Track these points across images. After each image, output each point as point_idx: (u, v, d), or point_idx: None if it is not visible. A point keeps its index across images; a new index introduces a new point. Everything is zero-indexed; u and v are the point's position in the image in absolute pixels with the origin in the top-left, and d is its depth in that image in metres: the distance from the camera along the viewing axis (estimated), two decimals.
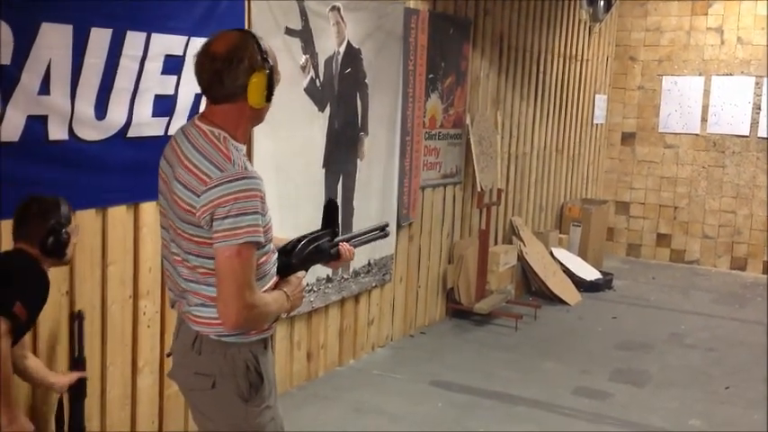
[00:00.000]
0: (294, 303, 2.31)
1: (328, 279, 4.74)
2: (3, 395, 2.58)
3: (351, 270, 4.95)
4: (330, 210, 2.51)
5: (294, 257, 2.34)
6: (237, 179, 2.07)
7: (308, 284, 4.41)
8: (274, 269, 2.29)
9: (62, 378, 3.05)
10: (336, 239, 2.47)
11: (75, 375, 3.09)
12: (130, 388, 3.58)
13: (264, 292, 2.21)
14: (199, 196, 2.07)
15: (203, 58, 2.15)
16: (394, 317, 5.64)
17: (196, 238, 2.13)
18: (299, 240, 2.38)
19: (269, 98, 2.19)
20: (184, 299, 2.23)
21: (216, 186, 2.06)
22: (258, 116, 2.27)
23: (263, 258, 2.21)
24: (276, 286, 2.28)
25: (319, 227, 2.47)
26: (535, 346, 5.78)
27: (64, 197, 2.85)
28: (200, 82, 2.19)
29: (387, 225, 2.73)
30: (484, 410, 4.51)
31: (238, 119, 2.19)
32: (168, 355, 2.36)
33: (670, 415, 4.58)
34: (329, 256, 2.46)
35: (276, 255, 2.31)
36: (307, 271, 2.41)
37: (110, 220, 3.37)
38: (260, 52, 2.15)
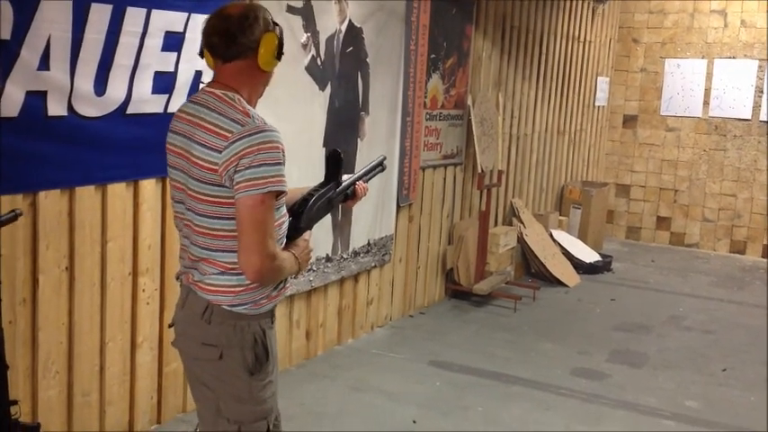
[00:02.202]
0: (302, 266, 2.33)
1: (328, 258, 4.75)
2: None
3: (350, 250, 4.96)
4: (333, 160, 2.49)
5: (303, 221, 2.35)
6: (258, 132, 2.11)
7: None
8: (285, 234, 2.31)
9: None
10: (341, 188, 2.49)
11: None
12: (129, 364, 3.59)
13: None
14: (221, 152, 2.10)
15: (215, 19, 2.22)
16: (393, 297, 5.66)
17: (216, 199, 2.15)
18: (305, 200, 2.38)
19: (278, 56, 2.25)
20: (196, 269, 2.25)
21: (238, 140, 2.09)
22: (264, 82, 2.32)
23: (278, 222, 2.22)
24: (284, 249, 2.29)
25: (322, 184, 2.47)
26: (534, 327, 5.80)
27: None
28: (211, 41, 2.22)
29: (384, 158, 2.76)
30: (482, 390, 4.54)
31: (248, 80, 2.24)
32: (170, 326, 2.37)
33: (667, 396, 4.60)
34: (345, 198, 2.53)
35: (288, 220, 2.32)
36: (311, 229, 2.41)
37: (109, 197, 3.37)
38: (270, 18, 2.25)
